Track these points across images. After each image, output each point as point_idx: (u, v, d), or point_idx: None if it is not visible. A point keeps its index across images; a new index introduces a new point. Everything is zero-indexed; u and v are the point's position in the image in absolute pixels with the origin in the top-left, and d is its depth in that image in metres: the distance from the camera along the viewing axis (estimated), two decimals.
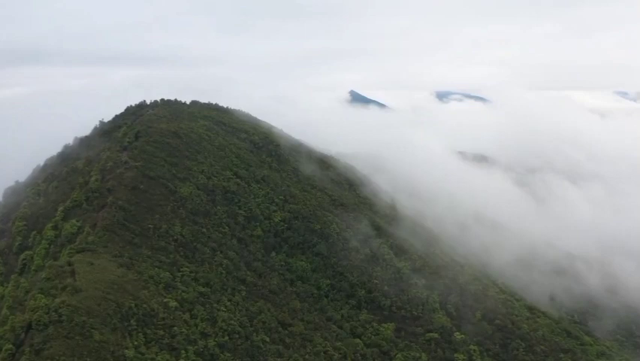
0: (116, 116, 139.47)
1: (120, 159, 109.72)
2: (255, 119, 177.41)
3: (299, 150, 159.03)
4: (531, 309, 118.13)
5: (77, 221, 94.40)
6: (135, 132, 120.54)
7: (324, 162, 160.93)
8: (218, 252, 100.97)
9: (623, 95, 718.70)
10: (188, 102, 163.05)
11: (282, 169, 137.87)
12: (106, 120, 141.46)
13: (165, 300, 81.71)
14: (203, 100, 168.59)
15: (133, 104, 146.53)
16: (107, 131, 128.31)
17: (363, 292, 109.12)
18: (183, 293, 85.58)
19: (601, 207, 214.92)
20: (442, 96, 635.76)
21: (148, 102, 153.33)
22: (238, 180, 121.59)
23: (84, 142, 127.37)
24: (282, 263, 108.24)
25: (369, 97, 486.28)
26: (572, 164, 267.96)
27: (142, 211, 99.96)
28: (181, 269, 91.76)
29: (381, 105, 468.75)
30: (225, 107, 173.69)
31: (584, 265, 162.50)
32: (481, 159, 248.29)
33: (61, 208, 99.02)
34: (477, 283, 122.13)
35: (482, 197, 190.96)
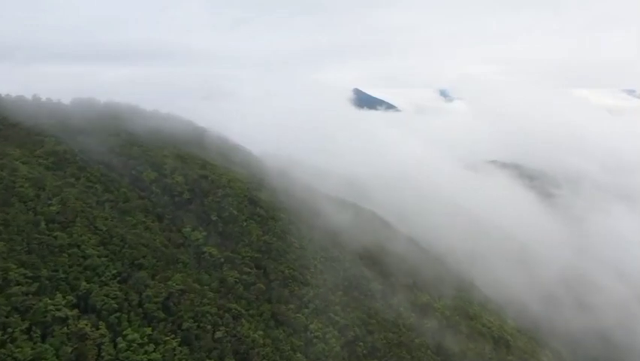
0: None
1: None
2: (202, 130, 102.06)
3: (272, 204, 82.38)
4: None
5: None
6: None
7: (319, 216, 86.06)
8: None
9: (631, 92, 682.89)
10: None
11: (231, 261, 61.32)
12: None
13: None
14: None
15: None
16: None
17: None
18: None
19: None
20: (446, 94, 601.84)
21: None
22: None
23: None
24: None
25: (373, 95, 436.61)
26: (589, 170, 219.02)
27: None
28: None
29: (385, 103, 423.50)
30: (144, 109, 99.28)
31: None
32: (498, 167, 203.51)
33: None
34: None
35: (518, 230, 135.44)
